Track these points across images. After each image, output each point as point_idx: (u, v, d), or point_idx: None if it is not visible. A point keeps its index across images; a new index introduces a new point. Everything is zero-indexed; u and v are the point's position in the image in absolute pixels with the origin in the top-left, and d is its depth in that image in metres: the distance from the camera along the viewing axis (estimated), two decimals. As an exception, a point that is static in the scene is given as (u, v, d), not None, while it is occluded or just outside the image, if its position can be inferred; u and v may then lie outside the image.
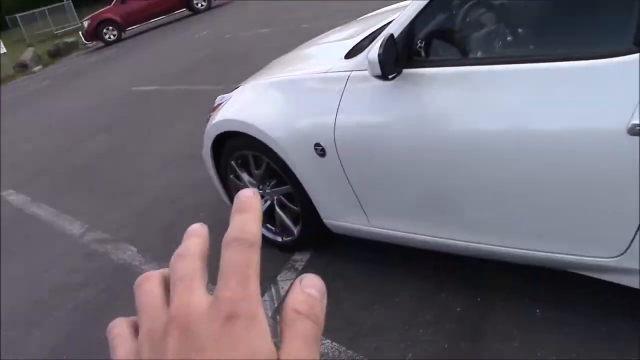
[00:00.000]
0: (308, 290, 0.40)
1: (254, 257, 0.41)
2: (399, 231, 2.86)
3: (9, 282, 4.82)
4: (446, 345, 2.68)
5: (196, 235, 0.45)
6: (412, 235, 2.82)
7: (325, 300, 0.41)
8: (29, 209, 6.44)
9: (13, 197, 7.06)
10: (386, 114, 2.60)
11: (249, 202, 0.44)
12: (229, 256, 0.40)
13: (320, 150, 2.87)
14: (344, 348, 2.84)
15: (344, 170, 2.84)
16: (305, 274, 0.42)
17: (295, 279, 0.43)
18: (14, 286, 4.70)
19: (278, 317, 0.43)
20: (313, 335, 0.38)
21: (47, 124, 11.06)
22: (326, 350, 2.86)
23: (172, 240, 4.43)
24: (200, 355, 0.36)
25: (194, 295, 0.39)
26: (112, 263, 4.49)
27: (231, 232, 0.41)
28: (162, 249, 4.41)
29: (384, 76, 2.46)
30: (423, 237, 2.77)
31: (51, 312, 4.09)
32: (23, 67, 23.35)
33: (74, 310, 4.03)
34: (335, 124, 2.76)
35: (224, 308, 0.37)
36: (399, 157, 2.58)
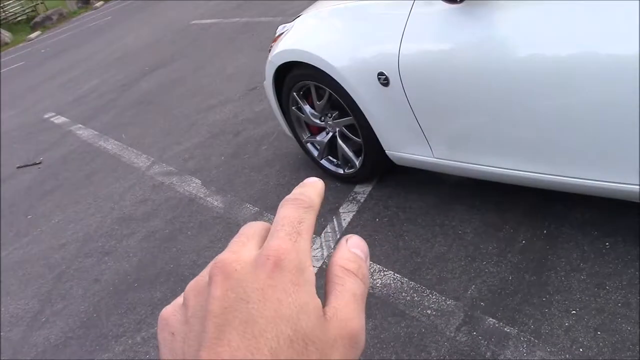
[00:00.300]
0: (354, 250, 0.41)
1: (309, 217, 0.41)
2: (463, 162, 2.80)
3: (81, 213, 5.00)
4: (510, 278, 2.64)
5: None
6: (476, 167, 2.75)
7: (368, 263, 0.41)
8: (97, 142, 6.62)
9: (82, 131, 7.27)
10: (454, 39, 2.50)
11: (314, 181, 0.45)
12: (283, 212, 0.40)
13: (384, 80, 2.81)
14: (406, 279, 2.85)
15: (407, 100, 2.77)
16: (350, 235, 0.42)
17: (341, 237, 0.44)
18: (87, 217, 4.88)
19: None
20: (361, 294, 0.39)
21: (110, 58, 11.23)
22: (389, 282, 2.87)
23: (235, 172, 4.50)
24: (243, 304, 0.35)
25: (248, 243, 0.40)
26: (177, 195, 4.60)
27: (290, 195, 0.42)
28: (225, 182, 4.47)
29: None
30: (488, 168, 2.69)
31: (122, 241, 4.24)
32: (86, 3, 23.63)
33: (143, 239, 4.17)
34: (399, 51, 2.68)
35: (271, 256, 0.37)
36: (465, 85, 2.49)
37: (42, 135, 7.80)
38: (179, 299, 0.41)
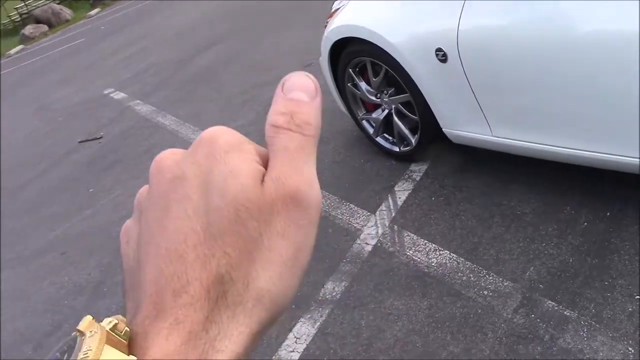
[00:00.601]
0: (291, 95, 0.35)
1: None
2: (523, 141, 2.73)
3: (140, 187, 5.10)
4: (571, 260, 2.58)
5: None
6: (536, 146, 2.68)
7: (317, 100, 0.35)
8: (155, 118, 6.74)
9: (140, 107, 7.40)
10: (515, 14, 2.42)
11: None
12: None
13: (442, 56, 2.75)
14: (462, 259, 2.82)
15: (466, 77, 2.71)
16: (289, 75, 0.36)
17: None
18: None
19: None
20: (296, 146, 0.34)
21: (167, 35, 11.37)
22: (445, 261, 2.84)
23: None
24: (178, 182, 0.33)
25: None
26: (232, 170, 4.64)
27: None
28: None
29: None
30: (548, 147, 2.62)
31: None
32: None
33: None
34: (458, 27, 2.61)
35: (205, 135, 0.35)
36: (527, 61, 2.41)
37: (102, 111, 7.98)
38: None
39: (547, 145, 2.61)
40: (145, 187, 0.38)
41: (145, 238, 0.34)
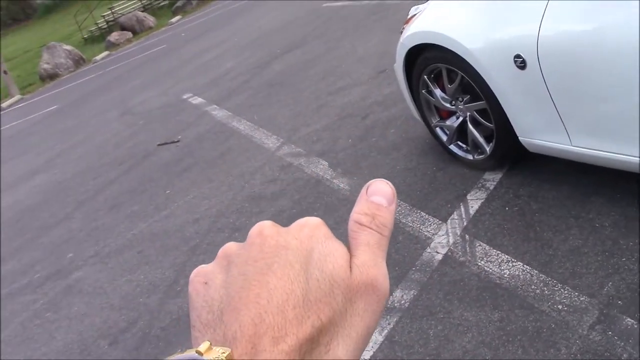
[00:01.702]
0: (373, 199, 0.42)
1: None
2: (604, 151, 2.63)
3: (215, 190, 5.23)
4: (653, 277, 2.47)
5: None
6: (618, 157, 2.57)
7: (393, 206, 0.42)
8: (230, 123, 6.88)
9: (216, 111, 7.58)
10: (599, 19, 2.34)
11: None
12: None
13: (521, 62, 2.69)
14: (536, 272, 2.74)
15: (545, 84, 2.64)
16: (372, 180, 0.43)
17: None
18: (219, 195, 5.09)
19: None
20: (375, 243, 0.40)
21: (244, 41, 11.60)
22: (518, 273, 2.77)
23: (361, 155, 4.51)
24: (282, 250, 0.39)
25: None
26: (305, 176, 4.68)
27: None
28: (351, 164, 4.50)
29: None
30: (631, 158, 2.51)
31: (252, 219, 4.39)
32: (223, -12, 24.51)
33: (271, 218, 4.26)
34: (539, 33, 2.55)
35: (307, 221, 0.42)
36: (611, 69, 2.33)
37: (180, 115, 8.22)
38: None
39: (629, 156, 2.51)
40: (235, 243, 0.43)
41: (240, 284, 0.38)
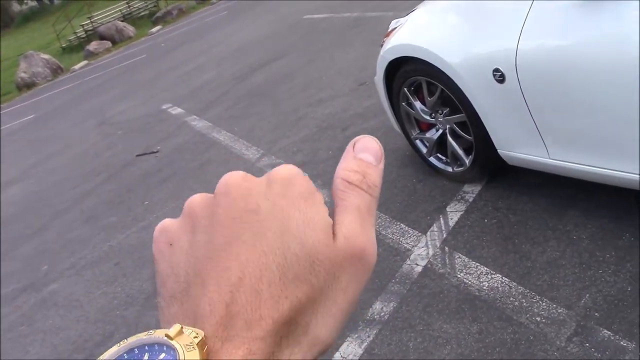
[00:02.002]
0: (361, 156, 0.38)
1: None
2: (581, 164, 2.66)
3: (192, 199, 5.19)
4: (629, 289, 2.49)
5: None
6: (595, 170, 2.60)
7: (382, 165, 0.38)
8: (210, 133, 6.86)
9: (196, 122, 7.55)
10: (577, 35, 2.37)
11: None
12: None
13: (500, 76, 2.72)
14: (514, 284, 2.75)
15: (524, 98, 2.67)
16: (359, 136, 0.39)
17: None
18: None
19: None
20: (366, 207, 0.36)
21: (224, 52, 11.59)
22: (496, 285, 2.78)
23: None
24: (253, 215, 0.34)
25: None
26: (284, 186, 4.66)
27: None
28: (332, 176, 4.44)
29: (576, -6, 2.24)
30: (608, 171, 2.54)
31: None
32: (204, -1, 24.52)
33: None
34: (517, 47, 2.58)
35: (284, 174, 0.36)
36: (588, 83, 2.36)
37: (159, 125, 8.17)
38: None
39: (606, 169, 2.54)
40: (201, 196, 0.38)
41: (206, 253, 0.34)
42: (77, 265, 4.89)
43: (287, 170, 0.36)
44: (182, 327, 0.32)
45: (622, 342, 2.27)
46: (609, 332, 2.33)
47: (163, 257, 0.37)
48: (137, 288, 4.11)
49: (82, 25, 26.35)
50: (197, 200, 0.38)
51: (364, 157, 0.38)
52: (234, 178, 0.36)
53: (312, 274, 0.33)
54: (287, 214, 0.34)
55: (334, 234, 0.35)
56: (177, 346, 0.31)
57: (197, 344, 0.31)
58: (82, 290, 4.43)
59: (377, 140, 0.39)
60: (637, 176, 2.41)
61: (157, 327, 0.34)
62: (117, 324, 3.78)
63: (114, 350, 0.33)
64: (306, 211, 0.35)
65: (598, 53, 2.28)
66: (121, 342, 0.33)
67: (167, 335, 0.32)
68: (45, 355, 3.78)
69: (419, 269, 3.09)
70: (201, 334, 0.32)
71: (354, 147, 0.38)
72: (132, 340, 0.33)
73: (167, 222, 0.39)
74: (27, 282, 4.99)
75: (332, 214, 0.36)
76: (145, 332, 0.33)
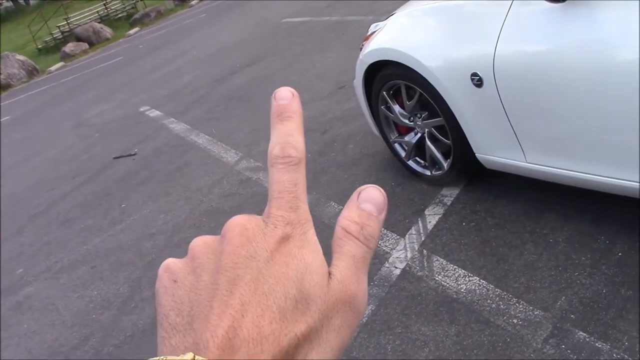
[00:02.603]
0: (364, 206, 0.40)
1: (301, 175, 0.41)
2: (558, 168, 2.69)
3: (171, 204, 5.17)
4: (604, 291, 2.52)
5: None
6: (571, 174, 2.64)
7: (383, 216, 0.41)
8: (188, 136, 6.83)
9: (174, 125, 7.51)
10: (554, 40, 2.40)
11: (289, 106, 0.43)
12: (276, 177, 0.40)
13: (477, 81, 2.74)
14: (492, 286, 2.77)
15: (501, 102, 2.69)
16: (365, 186, 0.41)
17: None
18: (176, 209, 5.03)
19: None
20: (360, 257, 0.39)
21: (203, 55, 11.55)
22: (474, 288, 2.80)
23: (321, 170, 4.52)
24: (254, 262, 0.37)
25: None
26: (264, 190, 4.66)
27: (274, 148, 0.41)
28: (311, 179, 4.50)
29: (554, -1, 2.27)
30: (584, 175, 2.58)
31: (209, 233, 4.32)
32: (182, 1, 24.40)
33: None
34: (495, 52, 2.60)
35: (278, 226, 0.38)
36: (564, 88, 2.39)
37: (137, 128, 8.11)
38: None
39: (582, 173, 2.57)
40: (204, 240, 0.41)
41: (210, 292, 0.37)
42: (53, 269, 4.83)
43: (282, 222, 0.39)
44: (194, 356, 0.34)
45: (597, 344, 2.29)
46: (585, 334, 2.35)
47: (167, 292, 0.39)
48: (114, 292, 4.07)
49: (59, 27, 26.08)
50: (200, 243, 0.41)
51: (366, 207, 0.40)
52: (237, 225, 0.39)
53: (309, 314, 0.36)
54: (285, 263, 0.37)
55: (330, 275, 0.38)
56: None
57: None
58: (58, 294, 4.38)
59: (381, 190, 0.41)
60: (612, 180, 2.44)
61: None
62: (93, 328, 3.74)
63: None
64: (302, 259, 0.38)
65: (575, 57, 2.31)
66: None
67: None
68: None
69: (397, 271, 3.11)
70: None
71: (358, 196, 0.41)
72: None
73: (171, 261, 0.41)
74: (2, 285, 4.92)
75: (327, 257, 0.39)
76: (157, 358, 0.35)
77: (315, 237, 0.39)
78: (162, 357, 0.34)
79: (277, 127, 0.42)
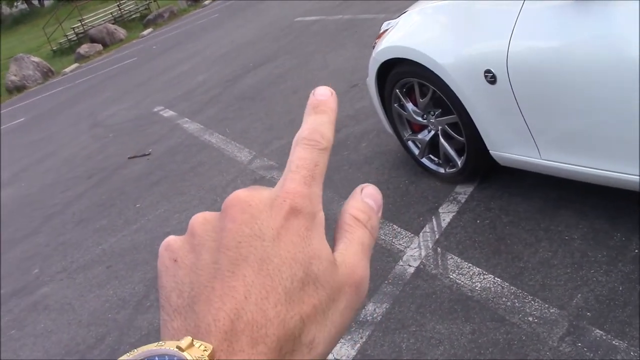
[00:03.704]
0: (367, 200, 0.42)
1: (323, 159, 0.41)
2: (572, 165, 2.67)
3: (186, 204, 5.19)
4: (621, 288, 2.50)
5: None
6: (587, 170, 2.61)
7: (380, 214, 0.42)
8: (202, 136, 6.85)
9: (188, 125, 7.54)
10: (568, 36, 2.38)
11: (326, 102, 0.43)
12: (298, 153, 0.40)
13: (491, 77, 2.73)
14: (507, 284, 2.76)
15: (515, 99, 2.68)
16: (366, 184, 0.43)
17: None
18: (190, 208, 5.05)
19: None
20: (368, 244, 0.40)
21: (216, 55, 11.58)
22: (489, 285, 2.79)
23: (334, 168, 4.51)
24: (258, 241, 0.36)
25: (261, 190, 0.39)
26: (277, 188, 4.65)
27: (304, 131, 0.41)
28: (324, 178, 4.49)
29: (567, -5, 2.25)
30: (600, 172, 2.55)
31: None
32: (195, 1, 24.48)
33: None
34: (508, 48, 2.59)
35: (288, 200, 0.37)
36: (579, 84, 2.37)
37: (151, 128, 8.15)
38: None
39: (598, 169, 2.55)
40: (204, 216, 0.40)
41: (211, 272, 0.36)
42: (68, 269, 4.87)
43: (293, 195, 0.38)
44: (192, 340, 0.33)
45: (614, 342, 2.27)
46: (601, 332, 2.34)
47: (167, 272, 0.38)
48: (129, 291, 4.09)
49: (73, 28, 26.26)
50: (200, 219, 0.40)
51: (370, 202, 0.42)
52: (240, 200, 0.38)
53: (315, 297, 0.36)
54: (292, 243, 0.36)
55: (336, 261, 0.38)
56: (189, 358, 0.32)
57: (207, 357, 0.32)
58: (74, 294, 4.41)
59: (378, 190, 0.43)
60: (629, 176, 2.42)
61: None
62: (109, 327, 3.77)
63: (123, 359, 0.33)
64: (310, 243, 0.37)
65: (589, 53, 2.29)
66: (131, 352, 0.34)
67: (178, 347, 0.33)
68: (37, 359, 3.76)
69: (411, 270, 3.10)
70: (210, 347, 0.33)
71: (361, 191, 0.42)
72: (143, 350, 0.34)
73: (171, 239, 0.40)
74: (17, 285, 4.97)
75: (330, 241, 0.39)
76: (156, 343, 0.34)
77: (323, 220, 0.39)
78: (160, 343, 0.34)
79: (310, 116, 0.42)
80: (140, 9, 27.58)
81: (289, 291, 0.35)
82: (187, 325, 0.35)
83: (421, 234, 3.34)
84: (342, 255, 0.39)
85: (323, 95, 0.44)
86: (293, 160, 0.40)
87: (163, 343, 0.33)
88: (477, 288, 2.80)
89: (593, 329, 2.37)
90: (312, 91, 0.44)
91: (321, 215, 0.39)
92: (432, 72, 3.10)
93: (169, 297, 0.37)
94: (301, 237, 0.37)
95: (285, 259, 0.36)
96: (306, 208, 0.38)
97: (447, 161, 3.55)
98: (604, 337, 2.31)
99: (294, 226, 0.37)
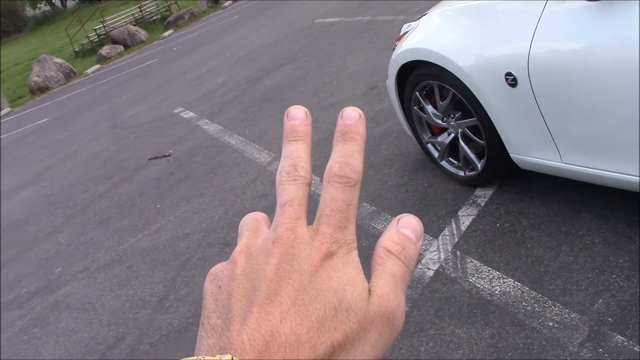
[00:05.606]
0: (403, 231, 0.42)
1: (355, 197, 0.42)
2: (594, 169, 2.65)
3: (205, 205, 5.22)
4: (643, 294, 2.47)
5: (302, 140, 0.46)
6: (608, 174, 2.59)
7: (420, 243, 0.42)
8: (221, 137, 6.88)
9: (208, 126, 7.57)
10: (590, 39, 2.36)
11: (355, 126, 0.44)
12: (331, 193, 0.41)
13: (512, 80, 2.71)
14: (527, 288, 2.74)
15: (536, 102, 2.66)
16: (403, 214, 0.43)
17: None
18: (210, 209, 5.08)
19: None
20: (400, 275, 0.40)
21: (236, 56, 11.63)
22: (508, 290, 2.77)
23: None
24: (297, 275, 0.38)
25: (299, 222, 0.41)
26: (296, 190, 4.66)
27: (334, 166, 0.42)
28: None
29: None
30: (621, 175, 2.53)
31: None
32: (215, 2, 24.59)
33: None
34: (530, 51, 2.57)
35: (325, 244, 0.39)
36: (601, 86, 2.35)
37: (171, 129, 8.20)
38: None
39: (619, 173, 2.52)
40: (249, 248, 0.42)
41: (251, 298, 0.38)
42: (90, 268, 4.92)
43: (329, 239, 0.40)
44: (232, 357, 0.35)
45: (635, 348, 2.25)
46: (623, 338, 2.31)
47: (212, 296, 0.41)
48: (150, 291, 4.12)
49: (95, 30, 26.50)
50: (243, 249, 0.42)
51: (406, 232, 0.42)
52: (285, 238, 0.40)
53: (347, 324, 0.37)
54: (328, 276, 0.38)
55: (370, 291, 0.39)
56: None
57: None
58: (95, 293, 4.46)
59: (418, 219, 0.43)
60: (651, 180, 2.39)
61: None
62: (130, 326, 3.80)
63: None
64: (345, 273, 0.39)
65: (612, 55, 2.27)
66: None
67: None
68: (58, 357, 3.81)
69: (430, 273, 3.09)
70: None
71: (397, 222, 0.43)
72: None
73: (218, 266, 0.43)
74: (40, 284, 5.03)
75: (367, 275, 0.41)
76: (195, 357, 0.36)
77: (358, 257, 0.40)
78: (200, 357, 0.36)
79: (339, 145, 0.43)
80: (161, 10, 27.76)
81: (321, 319, 0.37)
82: (222, 343, 0.37)
83: (440, 237, 3.33)
84: (374, 286, 0.40)
85: (351, 118, 0.44)
86: (326, 202, 0.41)
87: (202, 357, 0.36)
88: (496, 292, 2.79)
89: (614, 334, 2.34)
90: (340, 113, 0.45)
91: (355, 252, 0.41)
92: (452, 74, 3.09)
93: (210, 316, 0.39)
94: (337, 270, 0.39)
95: (320, 290, 0.38)
96: (341, 250, 0.40)
97: (467, 164, 3.54)
98: (625, 343, 2.29)
99: (330, 264, 0.39)
